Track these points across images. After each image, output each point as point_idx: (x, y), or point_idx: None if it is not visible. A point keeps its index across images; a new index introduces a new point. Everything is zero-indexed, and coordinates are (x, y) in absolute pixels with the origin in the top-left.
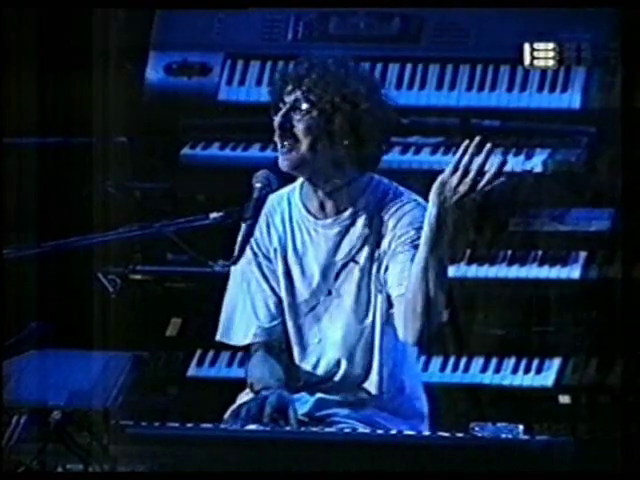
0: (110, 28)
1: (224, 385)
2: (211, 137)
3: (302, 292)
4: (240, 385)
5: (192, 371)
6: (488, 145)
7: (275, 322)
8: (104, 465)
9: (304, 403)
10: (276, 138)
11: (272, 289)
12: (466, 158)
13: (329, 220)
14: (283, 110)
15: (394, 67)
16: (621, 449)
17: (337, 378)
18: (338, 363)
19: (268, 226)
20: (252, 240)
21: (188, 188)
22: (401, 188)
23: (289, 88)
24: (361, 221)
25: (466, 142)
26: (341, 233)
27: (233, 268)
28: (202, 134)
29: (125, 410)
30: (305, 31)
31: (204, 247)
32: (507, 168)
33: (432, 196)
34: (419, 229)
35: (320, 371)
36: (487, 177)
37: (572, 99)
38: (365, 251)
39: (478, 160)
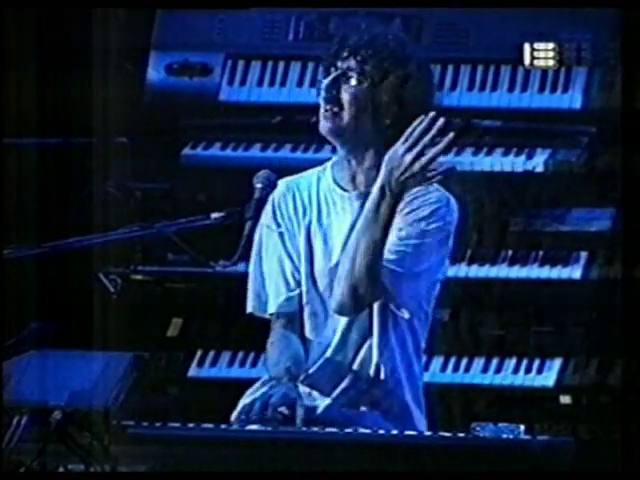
0: (110, 28)
1: (225, 385)
2: (212, 137)
3: (322, 265)
4: (241, 385)
5: (193, 371)
6: (441, 121)
7: (295, 292)
8: (105, 465)
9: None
10: (320, 100)
11: (292, 260)
12: (418, 130)
13: (355, 192)
14: (333, 74)
15: None
16: (622, 449)
17: (343, 355)
18: (346, 338)
19: (294, 198)
20: (277, 211)
21: (189, 188)
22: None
23: (344, 54)
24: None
25: (422, 117)
26: (363, 207)
27: (256, 239)
28: (203, 134)
29: (126, 410)
30: (306, 31)
31: (205, 247)
32: (508, 168)
33: (382, 167)
34: (426, 221)
35: (331, 346)
36: (434, 151)
37: (573, 99)
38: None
39: (429, 135)
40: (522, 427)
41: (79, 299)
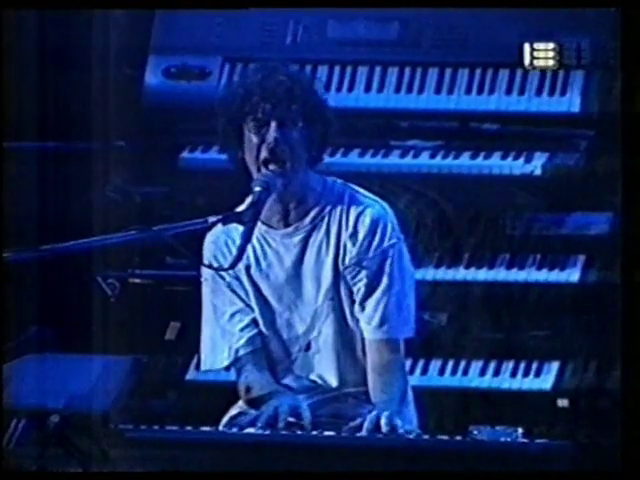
0: (109, 32)
1: (223, 389)
2: (210, 141)
3: (274, 304)
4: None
5: (191, 375)
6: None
7: (253, 332)
8: (103, 469)
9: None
10: (262, 162)
11: (245, 304)
12: None
13: (290, 228)
14: (271, 133)
15: (393, 71)
16: (620, 453)
17: (326, 385)
18: (324, 372)
19: (228, 247)
20: (214, 263)
21: (187, 192)
22: (356, 189)
23: (267, 106)
24: (323, 226)
25: None
26: (303, 240)
27: (204, 299)
28: (201, 138)
29: (124, 414)
30: (304, 35)
31: (203, 251)
32: (506, 172)
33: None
34: (374, 245)
35: (310, 379)
36: None
37: (571, 103)
38: (330, 262)
39: None
40: (520, 430)
41: (78, 303)
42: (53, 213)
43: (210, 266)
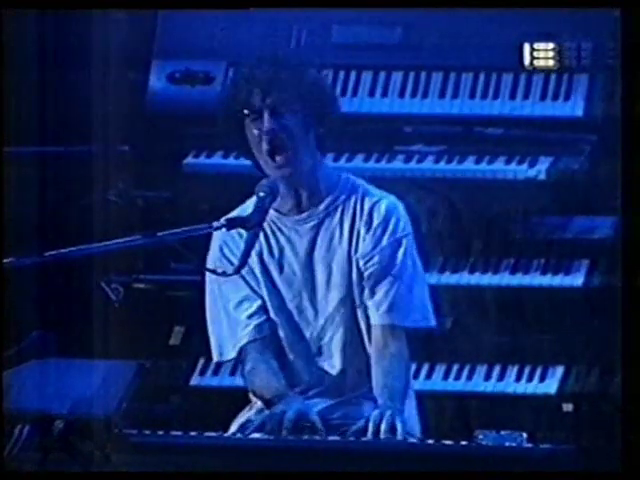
0: (111, 35)
1: (227, 394)
2: (214, 146)
3: (285, 291)
4: (243, 394)
5: (195, 380)
6: None
7: (261, 319)
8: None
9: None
10: (266, 154)
11: (253, 291)
12: None
13: (304, 214)
14: (265, 124)
15: (397, 75)
16: (623, 457)
17: (335, 373)
18: (333, 359)
19: (240, 234)
20: (226, 249)
21: (191, 197)
22: (368, 185)
23: (259, 95)
24: (337, 215)
25: None
26: (316, 227)
27: (209, 287)
28: (205, 143)
29: (128, 419)
30: (308, 39)
31: (207, 256)
32: (510, 176)
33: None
34: (388, 236)
35: (319, 367)
36: None
37: (575, 107)
38: (343, 250)
39: None
40: (525, 435)
41: (81, 308)
42: (55, 218)
43: (214, 271)
